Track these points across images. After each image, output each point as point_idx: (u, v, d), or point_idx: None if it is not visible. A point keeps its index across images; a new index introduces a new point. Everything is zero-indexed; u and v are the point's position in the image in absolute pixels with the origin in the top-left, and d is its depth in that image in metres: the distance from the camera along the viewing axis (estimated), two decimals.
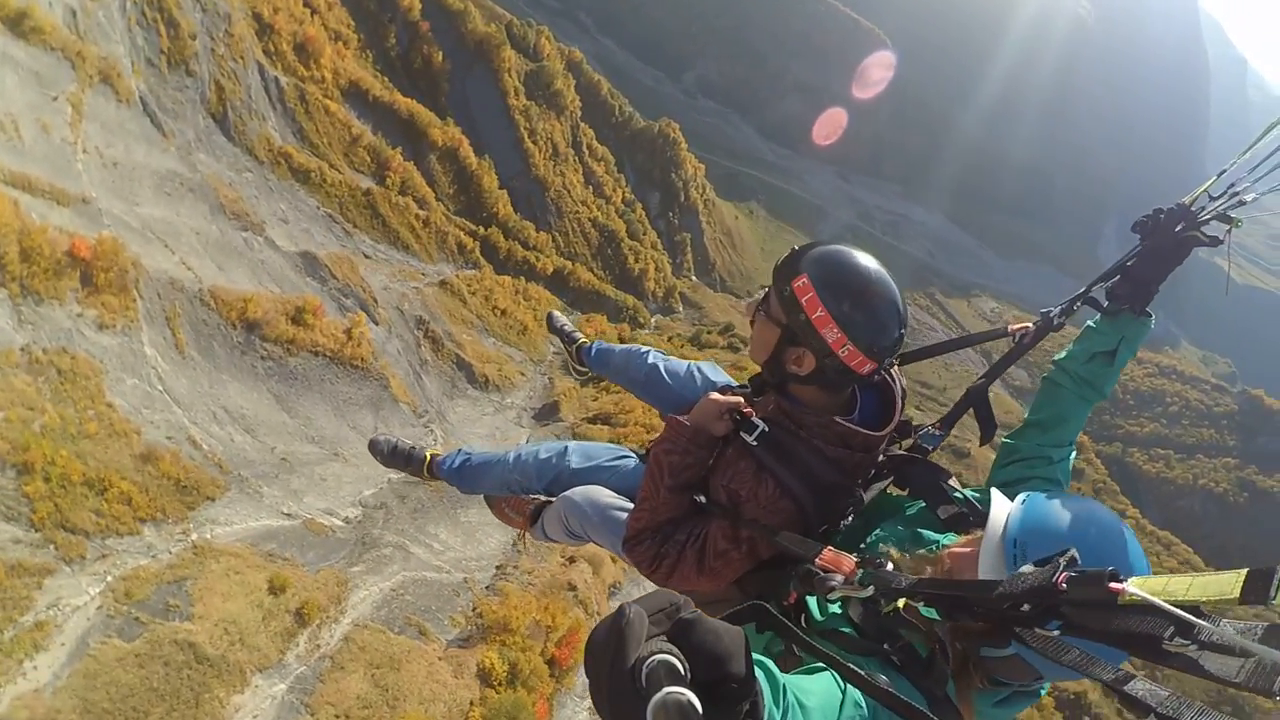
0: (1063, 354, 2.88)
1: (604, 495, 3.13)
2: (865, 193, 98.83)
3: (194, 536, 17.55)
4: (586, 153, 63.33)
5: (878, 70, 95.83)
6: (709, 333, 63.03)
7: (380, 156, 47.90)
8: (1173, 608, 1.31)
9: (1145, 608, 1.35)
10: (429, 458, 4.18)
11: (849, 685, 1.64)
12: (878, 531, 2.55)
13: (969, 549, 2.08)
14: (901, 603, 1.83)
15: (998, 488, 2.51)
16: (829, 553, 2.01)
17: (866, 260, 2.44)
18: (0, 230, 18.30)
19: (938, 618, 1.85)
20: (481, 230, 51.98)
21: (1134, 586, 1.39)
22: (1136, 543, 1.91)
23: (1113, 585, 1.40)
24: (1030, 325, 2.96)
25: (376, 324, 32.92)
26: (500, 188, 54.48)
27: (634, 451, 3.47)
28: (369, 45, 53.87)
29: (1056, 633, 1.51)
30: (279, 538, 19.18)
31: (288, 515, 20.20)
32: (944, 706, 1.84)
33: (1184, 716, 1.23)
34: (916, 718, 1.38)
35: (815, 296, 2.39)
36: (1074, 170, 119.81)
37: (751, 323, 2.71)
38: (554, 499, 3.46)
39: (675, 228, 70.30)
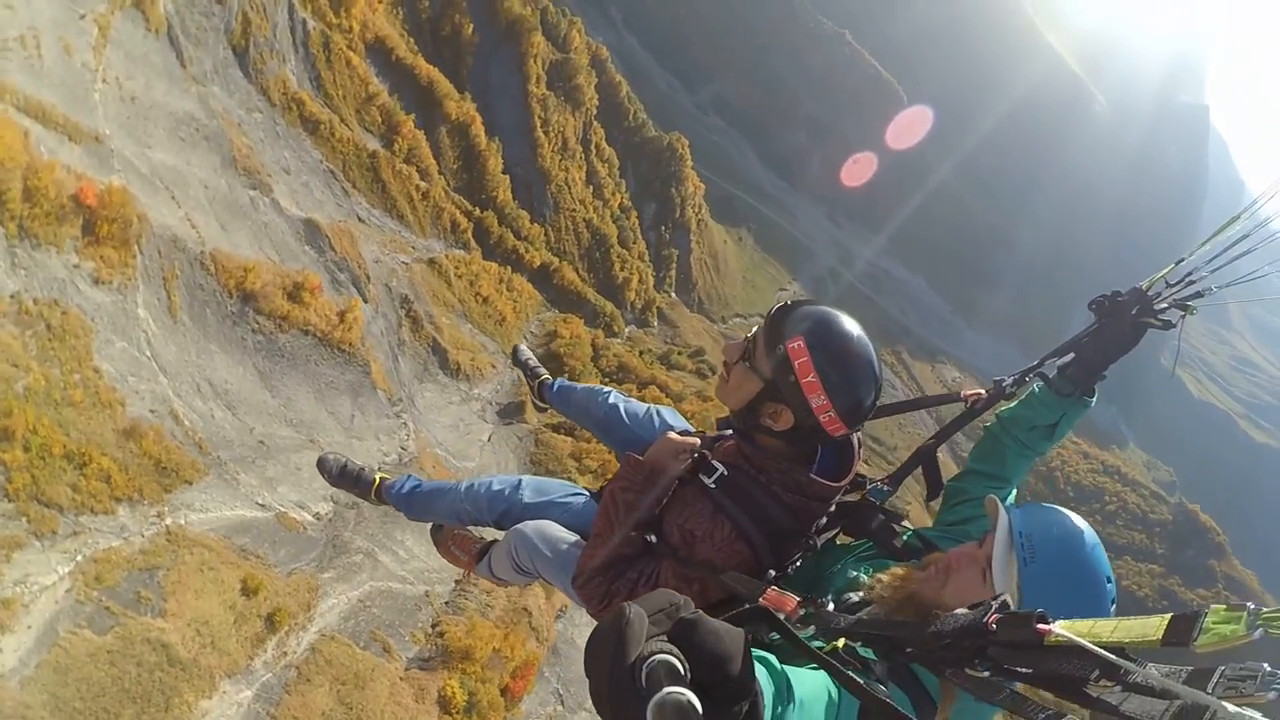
0: (1006, 412, 3.02)
1: (557, 530, 3.13)
2: (852, 240, 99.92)
3: (168, 521, 17.02)
4: (594, 152, 62.85)
5: (917, 124, 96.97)
6: (679, 354, 63.11)
7: (392, 120, 46.83)
8: (1098, 649, 1.34)
9: (1071, 649, 1.38)
10: (378, 481, 4.18)
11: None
12: (836, 567, 2.65)
13: (970, 549, 2.20)
14: (841, 643, 1.87)
15: (949, 526, 2.87)
16: (772, 592, 2.04)
17: (856, 329, 2.53)
18: (6, 164, 17.31)
19: (874, 657, 1.89)
20: (477, 212, 51.20)
21: (1060, 628, 1.42)
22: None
23: (1040, 626, 1.43)
24: (983, 392, 3.06)
25: (365, 301, 32.21)
26: (503, 172, 53.69)
27: (587, 490, 3.48)
28: (402, 2, 52.54)
29: (986, 674, 1.55)
30: (252, 531, 18.71)
31: (262, 506, 19.71)
32: (926, 711, 1.89)
33: None
34: None
35: (809, 362, 2.44)
36: (1054, 254, 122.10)
37: (727, 363, 2.72)
38: (502, 534, 3.47)
39: (665, 242, 70.21)
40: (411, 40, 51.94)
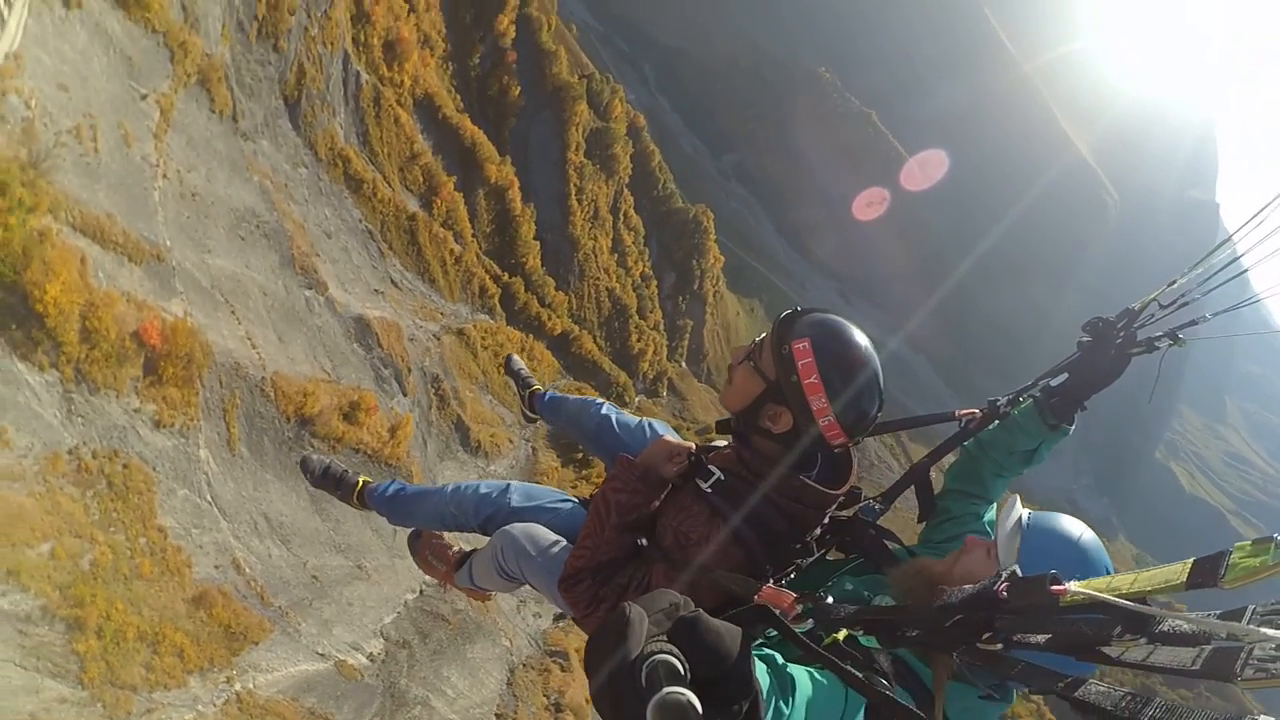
0: (986, 435, 3.05)
1: (545, 533, 3.09)
2: (859, 316, 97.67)
3: (238, 687, 16.14)
4: (622, 220, 62.59)
5: (933, 167, 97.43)
6: (688, 430, 62.54)
7: (433, 180, 46.27)
8: (1121, 600, 1.30)
9: (1091, 605, 1.34)
10: (361, 484, 4.13)
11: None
12: (830, 582, 2.63)
13: (981, 537, 2.25)
14: (843, 634, 1.84)
15: (937, 544, 2.87)
16: (767, 590, 2.01)
17: (863, 339, 2.54)
18: (64, 306, 15.86)
19: (878, 646, 1.88)
20: (506, 277, 50.56)
21: (1077, 586, 1.38)
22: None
23: (1054, 587, 1.39)
24: (977, 412, 3.08)
25: (405, 395, 31.41)
26: (535, 238, 53.20)
27: (574, 498, 3.44)
28: (453, 57, 52.13)
29: (999, 647, 1.51)
30: (318, 688, 17.91)
31: (322, 655, 18.94)
32: (926, 704, 1.87)
33: (1142, 715, 1.18)
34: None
35: (813, 362, 2.43)
36: (1053, 346, 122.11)
37: (732, 367, 2.74)
38: (487, 539, 3.38)
39: (681, 312, 69.88)
40: (458, 97, 51.46)
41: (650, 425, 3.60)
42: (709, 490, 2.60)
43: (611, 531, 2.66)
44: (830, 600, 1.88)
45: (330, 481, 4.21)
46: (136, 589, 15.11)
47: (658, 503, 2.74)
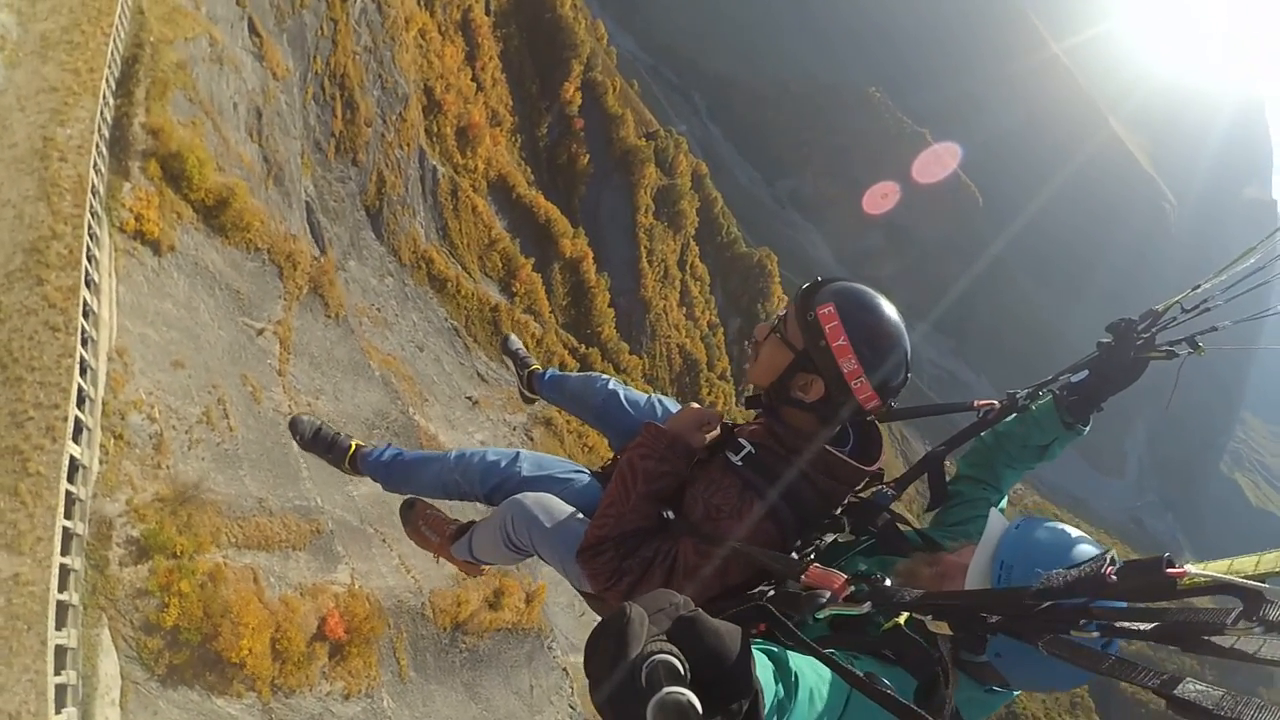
0: (1003, 427, 3.00)
1: (559, 502, 2.92)
2: (920, 341, 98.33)
3: None
4: (689, 271, 62.01)
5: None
6: None
7: (511, 265, 46.14)
8: (1247, 581, 1.25)
9: (1212, 588, 1.31)
10: (353, 448, 3.92)
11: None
12: (842, 561, 2.54)
13: (967, 558, 2.13)
14: (903, 618, 1.81)
15: (950, 527, 2.81)
16: (815, 569, 1.93)
17: (887, 303, 2.52)
18: (256, 647, 15.72)
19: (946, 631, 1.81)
20: (583, 349, 50.40)
21: (1196, 568, 1.33)
22: None
23: (1170, 570, 1.34)
24: (996, 403, 3.01)
25: None
26: (609, 306, 52.78)
27: (588, 470, 3.31)
28: (520, 129, 51.67)
29: (1095, 635, 1.45)
30: None
31: None
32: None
33: (1244, 715, 1.14)
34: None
35: (839, 325, 2.41)
36: (1080, 331, 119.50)
37: (758, 342, 2.71)
38: (493, 509, 3.21)
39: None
40: (529, 170, 51.03)
41: (660, 401, 3.44)
42: (739, 463, 2.53)
43: (637, 500, 2.57)
44: (889, 582, 1.81)
45: (321, 444, 3.98)
46: None
47: (685, 473, 2.66)
